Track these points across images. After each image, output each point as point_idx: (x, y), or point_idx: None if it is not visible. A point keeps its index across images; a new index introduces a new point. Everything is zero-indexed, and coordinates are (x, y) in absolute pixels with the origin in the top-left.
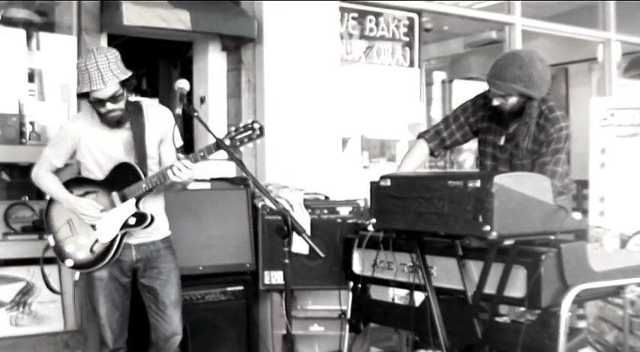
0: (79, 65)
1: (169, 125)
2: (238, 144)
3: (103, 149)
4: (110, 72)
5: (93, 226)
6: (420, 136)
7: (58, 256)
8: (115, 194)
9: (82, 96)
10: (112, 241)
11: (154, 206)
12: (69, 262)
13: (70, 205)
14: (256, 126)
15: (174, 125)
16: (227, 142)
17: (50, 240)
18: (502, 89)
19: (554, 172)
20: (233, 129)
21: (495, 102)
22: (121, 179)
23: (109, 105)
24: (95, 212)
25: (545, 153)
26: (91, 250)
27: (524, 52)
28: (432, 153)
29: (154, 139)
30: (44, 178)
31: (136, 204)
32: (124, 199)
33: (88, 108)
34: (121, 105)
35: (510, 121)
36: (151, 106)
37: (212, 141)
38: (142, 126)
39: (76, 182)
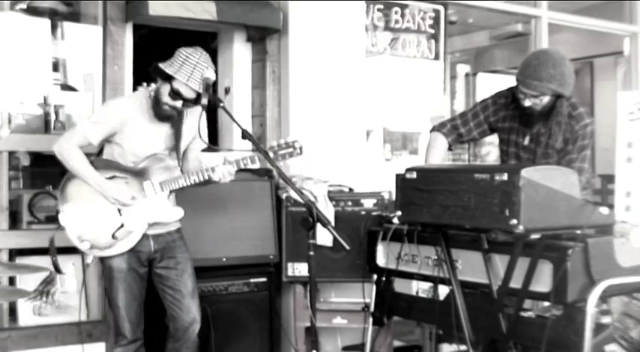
0: (190, 56)
1: (202, 125)
2: (279, 158)
3: (145, 139)
4: (204, 81)
5: (119, 211)
6: (437, 130)
7: (69, 235)
8: (148, 183)
9: (161, 75)
10: (139, 231)
11: (173, 196)
12: (86, 244)
13: (99, 186)
14: (297, 145)
15: (204, 123)
16: (271, 155)
17: (63, 217)
18: (539, 89)
19: (582, 169)
20: (275, 143)
21: (527, 103)
22: (154, 170)
23: (178, 104)
24: (128, 198)
25: (571, 150)
26: (114, 236)
27: (553, 50)
28: (449, 147)
29: (188, 137)
30: (72, 152)
31: (168, 198)
32: (159, 190)
33: (141, 93)
34: (188, 106)
35: (535, 121)
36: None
37: (237, 131)
38: (181, 123)
39: (104, 164)
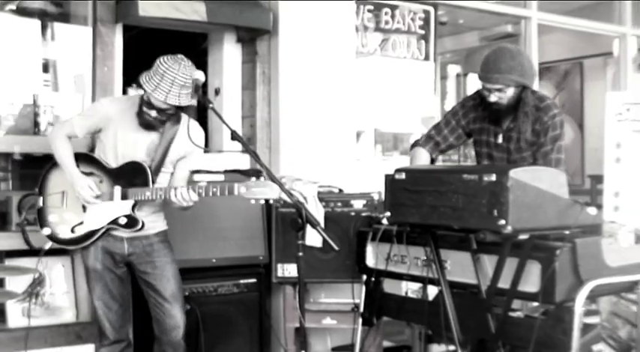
0: (168, 71)
1: (198, 148)
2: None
3: (128, 142)
4: (187, 94)
5: (84, 207)
6: (415, 145)
7: (38, 220)
8: (117, 188)
9: (140, 86)
10: (95, 231)
11: (151, 204)
12: (46, 230)
13: (71, 178)
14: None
15: (202, 150)
16: (242, 190)
17: (39, 200)
18: (500, 82)
19: (559, 160)
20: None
21: (492, 98)
22: (129, 176)
23: (152, 113)
24: (91, 197)
25: (544, 142)
26: (72, 230)
27: (510, 45)
28: (431, 159)
29: (177, 152)
30: (60, 141)
31: (132, 207)
32: (124, 197)
33: (136, 100)
34: (163, 117)
35: (503, 118)
36: (192, 123)
37: (227, 132)
38: (173, 137)
39: (87, 159)
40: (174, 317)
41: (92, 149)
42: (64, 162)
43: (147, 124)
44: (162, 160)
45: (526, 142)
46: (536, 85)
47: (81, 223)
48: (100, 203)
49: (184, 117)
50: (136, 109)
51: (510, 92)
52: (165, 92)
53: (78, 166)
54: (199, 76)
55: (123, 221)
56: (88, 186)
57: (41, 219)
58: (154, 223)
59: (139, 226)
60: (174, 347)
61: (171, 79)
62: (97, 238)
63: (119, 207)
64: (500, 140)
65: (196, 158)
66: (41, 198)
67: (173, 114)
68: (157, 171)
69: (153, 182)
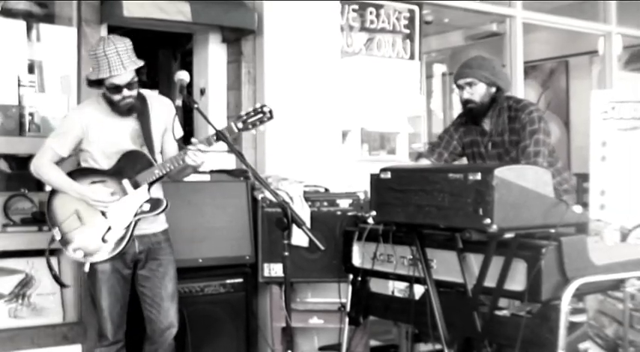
0: (97, 52)
1: (171, 115)
2: (250, 127)
3: (111, 138)
4: (128, 58)
5: (103, 214)
6: (419, 156)
7: (64, 248)
8: (126, 181)
9: (94, 83)
10: (126, 228)
11: (158, 190)
12: (79, 253)
13: (78, 194)
14: (266, 109)
15: (175, 115)
16: (240, 125)
17: (56, 233)
18: (470, 75)
19: (538, 152)
20: (244, 112)
21: (465, 95)
22: (130, 167)
23: (125, 92)
24: (107, 196)
25: (523, 137)
26: (103, 239)
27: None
28: None
29: (158, 129)
30: (47, 169)
31: (148, 191)
32: (135, 186)
33: (95, 96)
34: (134, 92)
35: (477, 114)
36: (153, 97)
37: (212, 133)
38: (148, 116)
39: (81, 172)
40: (170, 316)
41: (77, 165)
42: (62, 183)
43: (125, 109)
44: (151, 141)
45: (510, 144)
46: (521, 84)
47: (109, 229)
48: (117, 202)
49: (146, 95)
50: (104, 102)
51: (482, 89)
52: (119, 65)
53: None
54: (184, 76)
55: (147, 207)
56: (99, 189)
57: (67, 247)
58: (159, 219)
59: (164, 204)
60: (165, 348)
61: (114, 51)
62: (130, 235)
63: (137, 197)
64: (489, 148)
65: (175, 124)
66: (57, 229)
67: (137, 89)
68: (151, 151)
69: (155, 160)
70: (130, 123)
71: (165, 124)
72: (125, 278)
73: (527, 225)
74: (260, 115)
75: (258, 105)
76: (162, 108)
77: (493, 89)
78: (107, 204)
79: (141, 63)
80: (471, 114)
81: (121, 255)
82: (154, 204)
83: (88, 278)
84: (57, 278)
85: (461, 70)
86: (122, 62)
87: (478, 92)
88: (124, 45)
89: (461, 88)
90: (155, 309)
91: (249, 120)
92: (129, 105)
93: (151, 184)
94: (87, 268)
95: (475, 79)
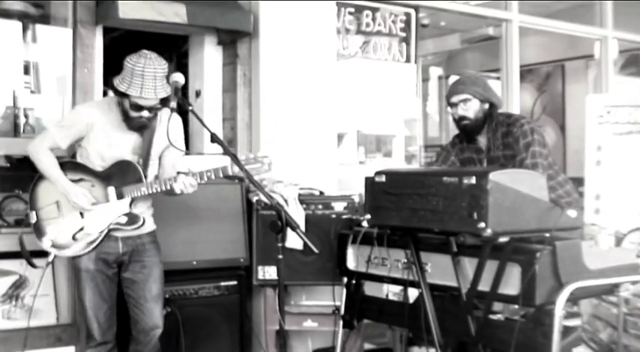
0: (135, 67)
1: (178, 133)
2: (244, 178)
3: (112, 145)
4: (162, 85)
5: (81, 214)
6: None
7: (36, 233)
8: (111, 189)
9: (117, 91)
10: (100, 233)
11: (144, 201)
12: (47, 242)
13: (63, 189)
14: (266, 161)
15: (181, 133)
16: (235, 169)
17: (32, 215)
18: (465, 91)
19: (535, 164)
20: (244, 157)
21: (460, 111)
22: (120, 176)
23: (145, 113)
24: (87, 204)
25: (518, 150)
26: (74, 237)
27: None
28: None
29: (161, 144)
30: (42, 155)
31: (130, 204)
32: (119, 196)
33: (109, 99)
34: (152, 115)
35: (472, 131)
36: (165, 113)
37: (208, 135)
38: (153, 130)
39: (73, 166)
40: (155, 317)
41: (73, 156)
42: (52, 174)
43: (137, 127)
44: (148, 155)
45: (506, 159)
46: (517, 88)
47: (82, 229)
48: (96, 208)
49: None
50: (116, 110)
51: (475, 105)
52: (151, 89)
53: (66, 174)
54: (179, 78)
55: (123, 220)
56: (82, 194)
57: (39, 232)
58: (136, 224)
59: (140, 222)
60: (149, 349)
61: (140, 73)
62: (100, 241)
63: (117, 207)
64: (485, 165)
65: (180, 141)
66: (33, 213)
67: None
68: (145, 166)
69: (145, 177)
70: (134, 137)
71: (167, 142)
72: (110, 279)
73: (522, 229)
74: (258, 165)
75: (260, 155)
76: (170, 125)
77: (486, 105)
78: (86, 210)
79: (163, 95)
80: (466, 131)
81: (104, 255)
82: (131, 218)
83: (74, 279)
84: (27, 259)
85: (454, 88)
86: (155, 87)
87: (472, 108)
88: (163, 70)
89: (454, 105)
90: (140, 310)
91: (248, 167)
92: (142, 124)
93: (134, 199)
94: (50, 258)
95: (469, 95)
